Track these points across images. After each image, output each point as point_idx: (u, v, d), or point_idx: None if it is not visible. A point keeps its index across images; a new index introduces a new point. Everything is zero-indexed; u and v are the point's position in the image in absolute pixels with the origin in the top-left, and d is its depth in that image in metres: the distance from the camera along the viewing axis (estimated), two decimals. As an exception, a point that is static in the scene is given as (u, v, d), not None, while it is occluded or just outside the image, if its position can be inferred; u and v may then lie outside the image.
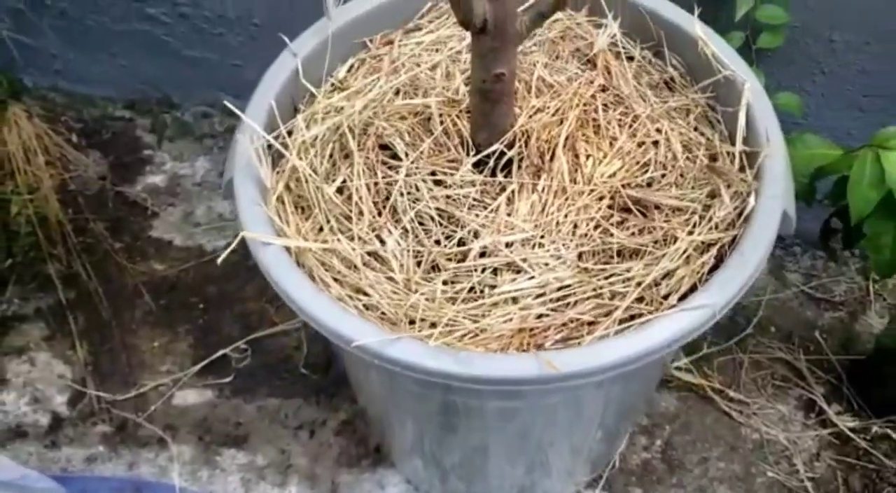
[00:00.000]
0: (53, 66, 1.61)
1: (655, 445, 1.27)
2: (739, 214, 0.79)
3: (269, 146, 0.84)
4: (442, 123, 0.85)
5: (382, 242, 0.79)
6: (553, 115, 0.85)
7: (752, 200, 0.78)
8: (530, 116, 0.84)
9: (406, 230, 0.80)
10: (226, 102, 0.84)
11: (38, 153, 1.56)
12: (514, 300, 0.75)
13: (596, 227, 0.80)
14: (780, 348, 1.35)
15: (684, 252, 0.77)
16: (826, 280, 1.42)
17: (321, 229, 0.81)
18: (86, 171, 1.61)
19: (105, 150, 1.63)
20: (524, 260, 0.77)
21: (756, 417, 1.28)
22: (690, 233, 0.78)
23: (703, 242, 0.78)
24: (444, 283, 0.77)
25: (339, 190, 0.83)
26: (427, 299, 0.75)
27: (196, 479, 1.26)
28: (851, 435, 1.24)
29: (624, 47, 0.93)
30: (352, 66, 0.94)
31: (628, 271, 0.77)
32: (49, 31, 1.53)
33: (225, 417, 1.32)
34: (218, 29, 1.42)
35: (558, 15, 0.96)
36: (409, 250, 0.78)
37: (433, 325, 0.73)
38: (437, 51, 0.93)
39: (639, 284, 0.75)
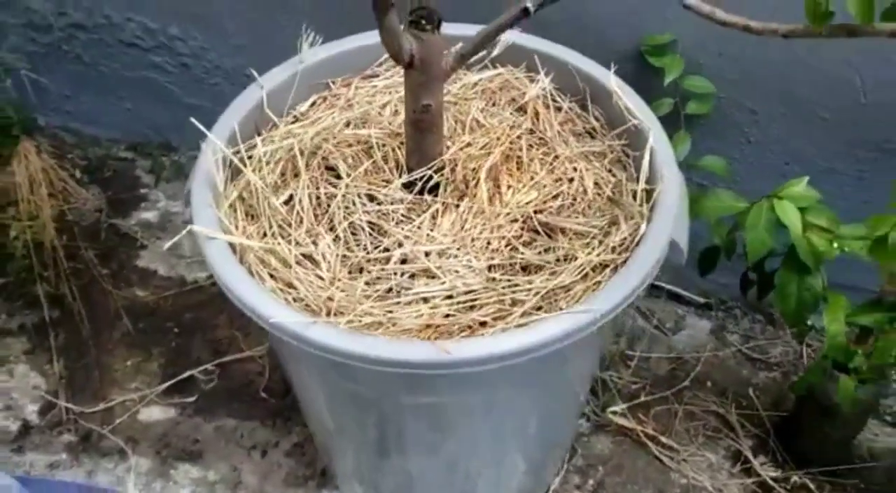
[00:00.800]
0: (65, 107, 1.76)
1: (588, 484, 1.33)
2: (634, 240, 0.88)
3: (230, 163, 0.96)
4: (382, 150, 0.97)
5: (316, 245, 0.89)
6: (480, 149, 0.96)
7: (643, 227, 0.88)
8: (460, 149, 0.96)
9: (338, 237, 0.90)
10: (192, 120, 0.95)
11: (42, 185, 1.70)
12: (426, 300, 0.85)
13: (507, 245, 0.90)
14: (714, 401, 1.42)
15: (581, 269, 0.87)
16: (763, 342, 1.49)
17: (265, 235, 0.92)
18: (84, 204, 1.73)
19: (105, 186, 1.76)
20: (438, 267, 0.86)
21: (686, 463, 1.34)
22: (589, 254, 0.88)
23: (599, 262, 0.88)
24: (366, 283, 0.87)
25: (286, 202, 0.94)
26: (347, 295, 0.85)
27: (150, 490, 1.33)
28: (773, 485, 1.30)
29: (553, 99, 1.05)
30: (314, 103, 1.07)
31: (530, 282, 0.86)
32: (64, 74, 1.68)
33: (184, 434, 1.39)
34: (214, 78, 1.57)
35: (499, 69, 1.09)
36: (338, 254, 0.88)
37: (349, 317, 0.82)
38: (388, 93, 1.06)
39: (537, 294, 0.85)
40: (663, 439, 1.37)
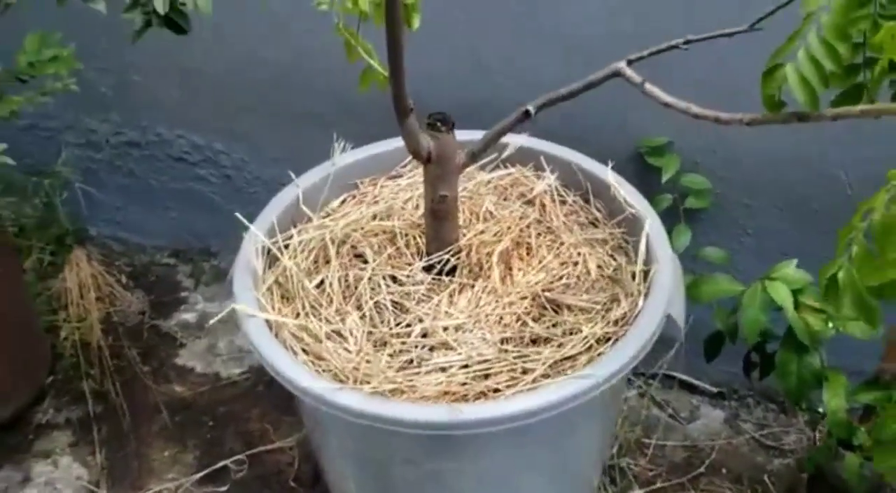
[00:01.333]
0: (116, 218, 1.91)
1: (608, 570, 1.36)
2: (633, 314, 0.97)
3: (269, 252, 1.07)
4: (405, 238, 1.08)
5: (344, 322, 0.99)
6: (493, 236, 1.07)
7: (640, 302, 0.97)
8: (475, 235, 1.07)
9: (364, 315, 1.00)
10: (237, 214, 1.07)
11: (91, 290, 1.82)
12: (443, 370, 0.93)
13: (517, 320, 0.99)
14: (729, 488, 1.45)
15: (586, 341, 0.95)
16: (777, 429, 1.54)
17: (298, 314, 1.01)
18: (129, 306, 1.85)
19: (148, 290, 1.89)
20: (455, 340, 0.95)
21: (705, 551, 1.37)
22: (592, 327, 0.97)
23: (602, 335, 0.96)
24: (389, 355, 0.96)
25: (318, 285, 1.05)
26: (371, 365, 0.93)
27: (183, 575, 1.38)
28: (791, 568, 1.32)
29: (559, 194, 1.17)
30: (344, 200, 1.19)
31: (539, 353, 0.95)
32: (116, 187, 1.84)
33: (217, 523, 1.45)
34: (254, 188, 1.71)
35: (510, 169, 1.21)
36: (364, 330, 0.98)
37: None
38: (410, 190, 1.18)
39: (545, 363, 0.93)
40: (682, 525, 1.40)
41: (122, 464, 1.55)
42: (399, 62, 0.84)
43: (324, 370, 0.94)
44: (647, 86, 0.83)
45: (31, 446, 1.58)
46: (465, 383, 0.92)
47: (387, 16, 0.80)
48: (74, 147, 1.80)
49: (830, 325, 1.15)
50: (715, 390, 1.60)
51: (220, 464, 1.53)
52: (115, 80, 1.67)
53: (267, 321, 0.96)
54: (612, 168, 1.14)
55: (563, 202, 1.16)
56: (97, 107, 1.72)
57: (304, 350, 0.97)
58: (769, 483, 1.46)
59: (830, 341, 1.15)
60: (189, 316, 1.83)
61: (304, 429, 1.55)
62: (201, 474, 1.52)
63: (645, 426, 1.55)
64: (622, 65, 0.85)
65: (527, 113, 0.92)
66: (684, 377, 1.60)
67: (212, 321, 1.57)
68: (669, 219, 1.29)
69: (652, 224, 1.05)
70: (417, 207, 1.14)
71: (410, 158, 1.22)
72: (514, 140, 1.20)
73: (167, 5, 0.96)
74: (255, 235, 1.06)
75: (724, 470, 1.49)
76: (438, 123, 0.95)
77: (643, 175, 1.30)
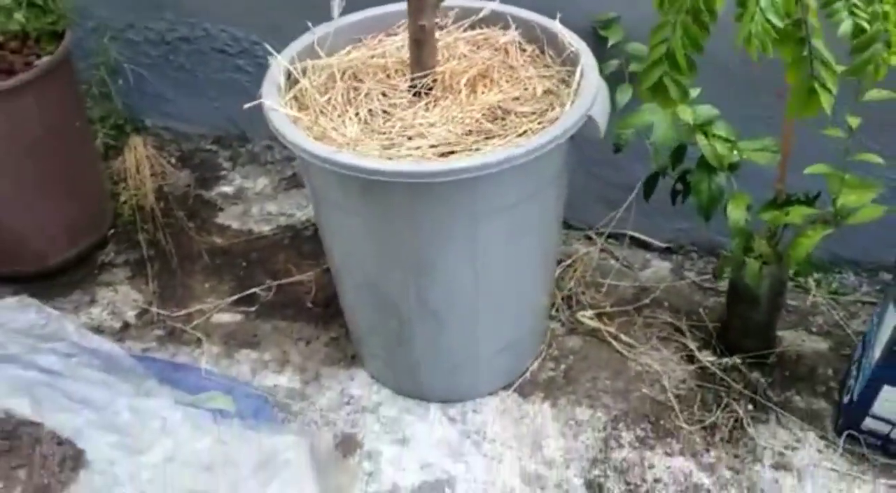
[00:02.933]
0: (167, 109, 2.25)
1: (559, 368, 1.67)
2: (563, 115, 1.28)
3: (289, 75, 1.39)
4: (394, 68, 1.39)
5: (344, 123, 1.31)
6: (464, 68, 1.39)
7: (568, 106, 1.28)
8: (449, 67, 1.38)
9: (360, 117, 1.32)
10: (265, 45, 1.40)
11: (146, 167, 2.17)
12: (417, 148, 1.25)
13: (476, 121, 1.30)
14: (669, 315, 1.75)
15: (525, 133, 1.27)
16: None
17: (310, 116, 1.34)
18: (177, 181, 2.20)
19: (193, 169, 2.23)
20: (427, 132, 1.27)
21: (642, 355, 1.67)
22: (531, 124, 1.28)
23: (538, 129, 1.27)
24: (378, 141, 1.27)
25: (326, 100, 1.37)
26: (363, 145, 1.25)
27: (219, 366, 1.71)
28: (710, 367, 1.62)
29: (520, 45, 1.47)
30: (349, 49, 1.51)
31: (490, 141, 1.26)
32: (169, 81, 2.18)
33: (247, 331, 1.79)
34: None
35: (482, 29, 1.52)
36: (359, 127, 1.30)
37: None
38: (403, 43, 1.49)
39: (494, 147, 1.24)
40: (623, 337, 1.70)
41: (170, 291, 1.89)
42: None
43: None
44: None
45: (95, 278, 1.93)
46: (431, 158, 1.24)
47: None
48: (134, 44, 2.14)
49: (735, 152, 1.45)
50: (664, 245, 1.89)
51: (250, 291, 1.86)
52: (171, -17, 2.01)
53: (286, 116, 1.28)
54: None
55: (524, 51, 1.47)
56: (154, 7, 2.06)
57: (314, 138, 1.29)
58: (703, 314, 1.75)
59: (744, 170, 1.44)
60: (227, 188, 2.17)
61: (322, 263, 1.88)
62: (235, 296, 1.85)
63: (600, 272, 1.85)
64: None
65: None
66: (639, 235, 1.89)
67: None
68: (617, 80, 1.60)
69: (586, 59, 1.36)
70: (407, 51, 1.45)
71: (403, 22, 1.54)
72: (487, 5, 1.51)
73: None
74: (280, 61, 1.38)
75: (665, 304, 1.79)
76: (419, -36, 1.27)
77: (596, 46, 1.60)
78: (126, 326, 1.81)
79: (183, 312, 1.83)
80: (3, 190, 1.71)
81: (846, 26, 0.90)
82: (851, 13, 0.89)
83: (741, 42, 0.94)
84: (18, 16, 1.42)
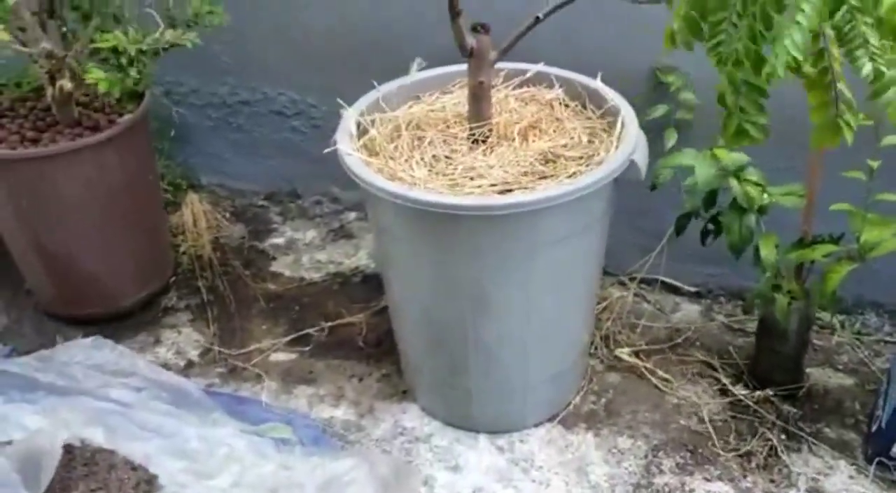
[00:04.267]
0: (223, 168, 2.42)
1: (600, 402, 1.77)
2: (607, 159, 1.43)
3: (360, 126, 1.55)
4: (453, 120, 1.55)
5: (411, 167, 1.46)
6: (516, 119, 1.54)
7: (612, 150, 1.42)
8: (503, 118, 1.54)
9: (426, 162, 1.47)
10: (338, 100, 1.56)
11: (202, 221, 2.32)
12: (479, 187, 1.39)
13: (531, 164, 1.45)
14: (701, 353, 1.86)
15: (574, 174, 1.41)
16: (743, 318, 1.95)
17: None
18: (232, 234, 2.34)
19: (247, 223, 2.38)
20: (487, 173, 1.42)
21: (678, 389, 1.78)
22: (579, 166, 1.43)
23: (586, 171, 1.42)
24: (442, 182, 1.42)
25: (395, 147, 1.52)
26: (431, 184, 1.40)
27: (278, 400, 1.82)
28: (743, 399, 1.72)
29: (564, 101, 1.63)
30: (410, 105, 1.67)
31: (543, 180, 1.40)
32: (226, 141, 2.35)
33: (302, 368, 1.90)
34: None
35: (532, 90, 1.68)
36: (425, 169, 1.45)
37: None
38: (458, 99, 1.65)
39: (546, 185, 1.39)
40: (660, 373, 1.81)
41: (230, 333, 2.01)
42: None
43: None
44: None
45: (160, 321, 2.06)
46: (493, 195, 1.38)
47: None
48: (197, 107, 2.32)
49: (765, 195, 1.59)
50: (694, 289, 2.02)
51: (305, 332, 1.98)
52: (234, 51, 2.19)
53: (360, 159, 1.44)
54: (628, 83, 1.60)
55: (567, 106, 1.63)
56: (218, 73, 2.25)
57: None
58: (733, 352, 1.86)
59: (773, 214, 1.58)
60: (279, 240, 2.32)
61: (371, 306, 2.01)
62: (290, 336, 1.97)
63: (635, 314, 1.97)
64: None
65: (537, 18, 1.40)
66: (669, 280, 2.02)
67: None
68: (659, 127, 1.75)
69: (626, 111, 1.52)
70: (462, 106, 1.61)
71: (458, 81, 1.71)
72: (533, 67, 1.68)
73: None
74: (352, 114, 1.54)
75: (697, 343, 1.90)
76: (479, 27, 1.43)
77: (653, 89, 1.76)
78: (190, 364, 1.93)
79: (243, 351, 1.95)
80: (87, 234, 1.86)
81: (867, 70, 1.03)
82: (872, 59, 1.03)
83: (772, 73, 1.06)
84: (133, 72, 1.59)
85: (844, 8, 0.96)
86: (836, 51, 1.07)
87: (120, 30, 1.63)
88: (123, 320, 2.03)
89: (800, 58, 0.95)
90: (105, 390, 1.77)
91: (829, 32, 1.02)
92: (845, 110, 1.11)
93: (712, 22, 1.03)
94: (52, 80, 1.80)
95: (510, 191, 1.39)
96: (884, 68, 1.03)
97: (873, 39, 0.99)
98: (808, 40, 0.96)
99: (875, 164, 1.43)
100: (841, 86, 1.10)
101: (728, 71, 1.03)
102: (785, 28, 0.95)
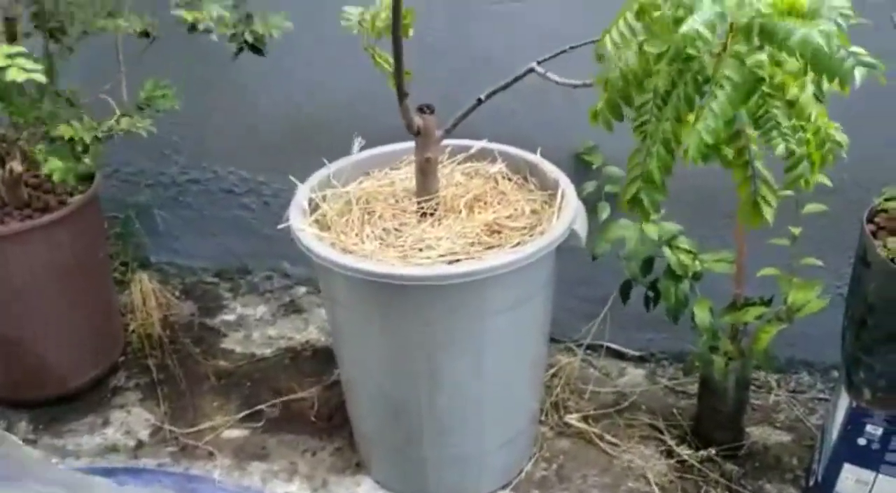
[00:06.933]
0: (173, 246, 2.44)
1: (552, 467, 1.80)
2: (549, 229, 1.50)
3: (311, 201, 1.60)
4: (402, 195, 1.62)
5: (362, 241, 1.51)
6: (462, 192, 1.61)
7: (554, 221, 1.50)
8: (449, 192, 1.61)
9: (376, 235, 1.52)
10: (290, 177, 1.61)
11: (152, 300, 2.32)
12: (428, 257, 1.45)
13: (477, 235, 1.51)
14: (647, 416, 1.92)
15: (518, 243, 1.48)
16: (685, 381, 2.01)
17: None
18: (182, 311, 2.35)
19: (196, 300, 2.39)
20: (435, 244, 1.48)
21: (625, 453, 1.82)
22: (523, 236, 1.49)
23: (529, 239, 1.49)
24: (392, 254, 1.47)
25: (346, 222, 1.57)
26: (381, 257, 1.45)
27: (230, 476, 1.81)
28: (688, 459, 1.77)
29: (507, 175, 1.72)
30: (360, 180, 1.73)
31: (491, 250, 1.47)
32: (177, 219, 2.38)
33: (255, 444, 1.90)
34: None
35: (474, 162, 1.76)
36: (376, 243, 1.50)
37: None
38: (406, 174, 1.72)
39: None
40: (608, 437, 1.86)
41: (181, 411, 2.00)
42: (400, 61, 1.40)
43: (350, 262, 1.46)
44: (549, 74, 1.39)
45: (109, 401, 2.04)
46: (442, 265, 1.44)
47: (393, 30, 1.38)
48: (146, 187, 2.35)
49: (697, 262, 1.68)
50: (637, 354, 2.08)
51: (257, 407, 1.99)
52: (184, 131, 2.24)
53: (313, 234, 1.48)
54: (557, 165, 1.69)
55: (510, 180, 1.71)
56: (168, 153, 2.29)
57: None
58: (677, 414, 1.92)
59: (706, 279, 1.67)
60: (230, 317, 2.33)
61: (323, 380, 2.03)
62: (242, 413, 1.97)
63: (582, 379, 2.02)
64: (534, 64, 1.42)
65: (479, 100, 1.48)
66: (613, 346, 2.09)
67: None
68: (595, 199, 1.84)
69: (565, 184, 1.60)
70: (410, 181, 1.68)
71: (405, 157, 1.78)
72: (477, 143, 1.76)
73: (252, 37, 1.55)
74: (304, 189, 1.59)
75: (643, 407, 1.96)
76: (425, 109, 1.51)
77: (579, 168, 1.86)
78: (140, 444, 1.91)
79: (194, 429, 1.94)
80: (36, 316, 1.85)
81: (780, 150, 1.12)
82: (784, 139, 1.12)
83: (688, 158, 1.14)
84: (87, 159, 1.62)
85: (757, 94, 1.05)
86: (751, 132, 1.17)
87: (74, 114, 1.66)
88: (71, 402, 2.01)
89: (710, 142, 1.03)
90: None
91: (744, 116, 1.11)
92: (763, 188, 1.18)
93: (637, 105, 1.12)
94: (2, 162, 1.82)
95: (458, 261, 1.44)
96: (794, 147, 1.11)
97: (784, 121, 1.07)
98: (722, 126, 1.05)
99: (797, 230, 1.53)
100: (758, 164, 1.19)
101: (646, 146, 1.12)
102: (699, 115, 1.04)
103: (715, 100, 1.01)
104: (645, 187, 1.18)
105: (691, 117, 1.06)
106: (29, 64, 1.34)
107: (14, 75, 1.32)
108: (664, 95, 1.08)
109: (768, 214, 1.22)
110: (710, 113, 1.01)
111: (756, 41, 1.01)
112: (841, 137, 1.12)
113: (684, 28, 0.96)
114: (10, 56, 1.34)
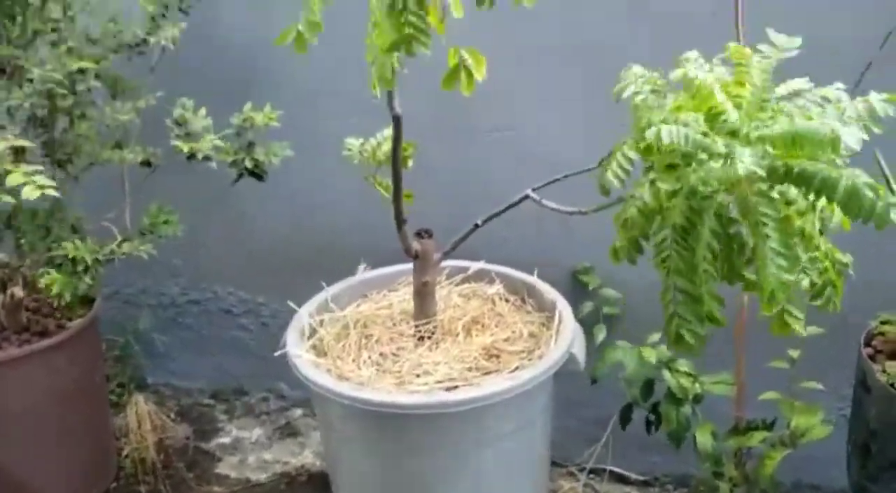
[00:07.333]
0: (170, 367, 2.42)
1: None
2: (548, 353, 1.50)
3: (310, 326, 1.61)
4: (399, 317, 1.62)
5: (359, 367, 1.51)
6: (460, 314, 1.62)
7: (552, 345, 1.50)
8: (447, 314, 1.61)
9: (373, 360, 1.52)
10: (289, 302, 1.62)
11: (147, 423, 2.29)
12: (425, 383, 1.44)
13: (475, 359, 1.51)
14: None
15: (516, 368, 1.47)
16: (689, 505, 1.96)
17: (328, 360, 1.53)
18: (176, 434, 2.31)
19: (192, 423, 2.35)
20: (433, 369, 1.47)
21: None
22: (521, 361, 1.49)
23: (528, 363, 1.48)
24: (390, 380, 1.46)
25: (342, 347, 1.57)
26: (377, 384, 1.44)
27: None
28: None
29: (504, 296, 1.73)
30: (358, 303, 1.74)
31: (489, 375, 1.46)
32: (176, 340, 2.37)
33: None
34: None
35: (471, 283, 1.77)
36: (373, 369, 1.49)
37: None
38: (404, 297, 1.73)
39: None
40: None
41: (172, 540, 1.94)
42: (399, 191, 1.44)
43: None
44: (543, 201, 1.43)
45: (99, 529, 1.98)
46: (439, 392, 1.43)
47: (392, 163, 1.42)
48: (146, 308, 2.36)
49: (697, 384, 1.67)
50: (641, 478, 2.04)
51: (251, 534, 1.93)
52: (186, 253, 2.26)
53: (309, 361, 1.48)
54: (554, 286, 1.70)
55: (507, 301, 1.72)
56: (169, 274, 2.31)
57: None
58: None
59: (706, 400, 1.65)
60: (225, 440, 2.29)
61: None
62: (237, 540, 1.92)
63: (588, 505, 1.98)
64: (529, 191, 1.45)
65: (476, 225, 1.51)
66: (616, 469, 2.04)
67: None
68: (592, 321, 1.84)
69: (562, 305, 1.61)
70: (408, 303, 1.69)
71: (403, 279, 1.80)
72: (474, 265, 1.78)
73: (253, 164, 1.59)
74: (301, 314, 1.60)
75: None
76: (423, 233, 1.54)
77: (575, 287, 1.87)
78: (129, 575, 1.84)
79: (186, 557, 1.88)
80: (30, 442, 1.82)
81: (805, 284, 1.11)
82: (806, 273, 1.11)
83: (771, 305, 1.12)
84: (87, 279, 1.63)
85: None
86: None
87: (77, 238, 1.69)
88: (60, 531, 1.95)
89: (790, 280, 1.02)
90: None
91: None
92: (794, 307, 1.16)
93: (657, 241, 1.12)
94: (3, 287, 1.84)
95: (456, 387, 1.44)
96: (816, 279, 1.11)
97: (802, 255, 1.07)
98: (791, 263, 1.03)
99: (795, 353, 1.53)
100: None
101: (670, 280, 1.11)
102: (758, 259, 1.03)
103: (769, 239, 1.00)
104: (684, 324, 1.14)
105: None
106: (44, 180, 1.37)
107: (29, 193, 1.35)
108: (681, 231, 1.08)
109: (798, 325, 1.18)
110: (774, 253, 1.00)
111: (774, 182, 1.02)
112: (846, 258, 1.12)
113: (741, 169, 0.96)
114: (27, 174, 1.38)
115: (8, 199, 1.37)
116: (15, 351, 1.76)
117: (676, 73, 1.11)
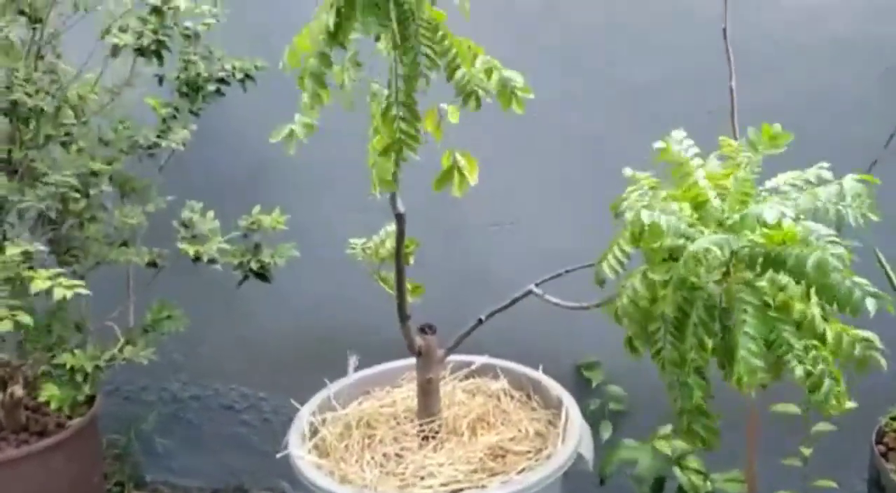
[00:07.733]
0: (170, 464, 2.38)
1: None
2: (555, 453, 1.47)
3: (312, 425, 1.58)
4: (403, 415, 1.60)
5: (362, 468, 1.48)
6: (464, 412, 1.60)
7: (559, 445, 1.47)
8: (451, 412, 1.59)
9: (376, 462, 1.49)
10: (292, 400, 1.60)
11: (145, 522, 2.24)
12: (430, 487, 1.41)
13: (480, 460, 1.48)
14: None
15: (523, 469, 1.44)
16: None
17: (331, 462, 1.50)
18: (174, 533, 2.25)
19: (192, 521, 2.30)
20: (438, 472, 1.44)
21: None
22: (528, 462, 1.46)
23: (535, 464, 1.45)
24: (393, 483, 1.43)
25: (344, 447, 1.54)
26: (381, 486, 1.41)
27: None
28: None
29: (509, 392, 1.70)
30: (360, 401, 1.72)
31: (494, 478, 1.43)
32: (176, 437, 2.33)
33: None
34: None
35: (475, 379, 1.75)
36: (376, 471, 1.46)
37: None
38: (408, 393, 1.71)
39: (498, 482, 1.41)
40: None
41: None
42: (403, 288, 1.44)
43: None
44: (546, 296, 1.42)
45: None
46: (444, 495, 1.39)
47: (396, 261, 1.42)
48: (147, 404, 2.33)
49: (708, 482, 1.63)
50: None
51: None
52: (187, 349, 2.25)
53: (312, 463, 1.45)
54: (558, 381, 1.68)
55: (512, 397, 1.70)
56: (170, 371, 2.29)
57: (336, 483, 1.44)
58: None
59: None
60: (225, 539, 2.23)
61: None
62: None
63: None
64: (532, 286, 1.45)
65: (480, 321, 1.51)
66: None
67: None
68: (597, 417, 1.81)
69: (568, 402, 1.58)
70: (412, 400, 1.67)
71: (407, 374, 1.78)
72: (478, 359, 1.76)
73: (258, 266, 1.60)
74: (304, 413, 1.58)
75: None
76: (426, 329, 1.53)
77: (580, 382, 1.85)
78: None
79: None
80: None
81: (799, 372, 1.09)
82: (799, 361, 1.09)
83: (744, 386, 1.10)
84: (86, 388, 1.63)
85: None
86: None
87: (80, 340, 1.68)
88: None
89: (760, 365, 1.02)
90: None
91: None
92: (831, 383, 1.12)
93: (651, 332, 1.12)
94: (3, 386, 1.82)
95: (461, 490, 1.40)
96: (810, 368, 1.08)
97: (796, 342, 1.06)
98: (762, 348, 1.03)
99: (807, 451, 1.50)
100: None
101: (666, 373, 1.11)
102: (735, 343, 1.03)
103: (745, 324, 1.00)
104: (695, 419, 1.13)
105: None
106: (69, 281, 1.39)
107: (59, 294, 1.39)
108: (674, 322, 1.08)
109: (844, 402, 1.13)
110: (747, 337, 1.00)
111: (758, 269, 1.02)
112: (871, 335, 1.09)
113: (692, 247, 0.98)
114: (50, 277, 1.41)
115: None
116: (13, 452, 1.73)
117: (657, 146, 1.13)
